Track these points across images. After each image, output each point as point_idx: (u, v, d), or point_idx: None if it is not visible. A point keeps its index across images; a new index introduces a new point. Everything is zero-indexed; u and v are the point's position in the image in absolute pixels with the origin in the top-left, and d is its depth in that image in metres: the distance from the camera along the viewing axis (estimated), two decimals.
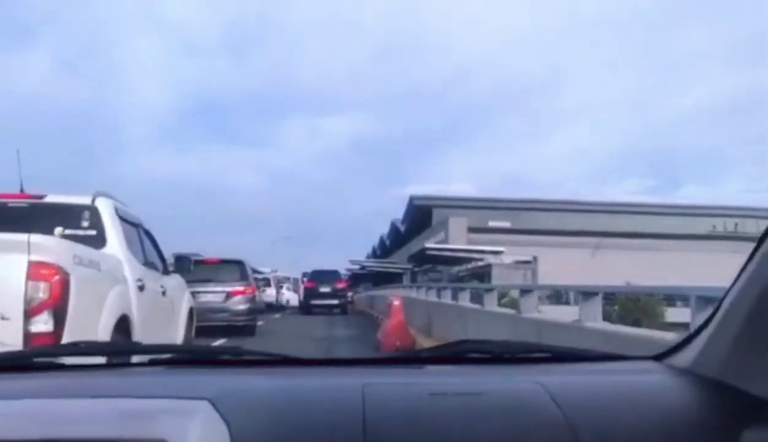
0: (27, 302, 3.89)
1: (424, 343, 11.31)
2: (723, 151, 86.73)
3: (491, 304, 10.82)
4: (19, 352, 2.72)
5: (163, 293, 6.30)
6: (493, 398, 1.18)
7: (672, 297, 22.89)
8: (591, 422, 1.11)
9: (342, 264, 45.37)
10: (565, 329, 6.61)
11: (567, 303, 25.89)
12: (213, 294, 14.40)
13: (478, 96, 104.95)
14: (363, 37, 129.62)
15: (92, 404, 1.14)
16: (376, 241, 67.59)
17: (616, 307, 19.66)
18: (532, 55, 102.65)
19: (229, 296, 14.70)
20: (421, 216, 44.99)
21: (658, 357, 1.43)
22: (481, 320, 10.55)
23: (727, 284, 1.25)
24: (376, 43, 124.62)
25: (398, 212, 52.35)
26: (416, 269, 38.71)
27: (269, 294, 30.96)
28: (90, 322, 4.35)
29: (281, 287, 35.49)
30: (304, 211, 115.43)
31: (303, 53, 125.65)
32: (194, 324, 7.77)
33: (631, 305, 20.03)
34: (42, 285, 3.94)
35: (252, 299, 15.30)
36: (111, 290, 4.79)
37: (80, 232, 5.26)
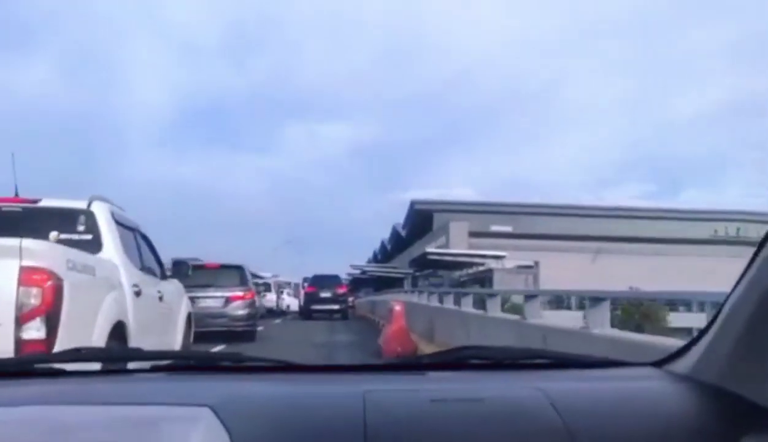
0: (18, 308, 3.79)
1: (426, 349, 11.21)
2: (724, 156, 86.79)
3: (495, 309, 10.70)
4: (20, 358, 2.69)
5: (161, 299, 6.21)
6: (494, 405, 1.18)
7: (674, 302, 22.84)
8: (590, 428, 1.11)
9: (343, 269, 45.26)
10: (572, 336, 6.49)
11: (569, 308, 25.88)
12: (212, 299, 14.30)
13: (479, 100, 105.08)
14: (364, 42, 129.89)
15: (93, 411, 1.14)
16: (377, 245, 67.54)
17: (618, 312, 19.54)
18: (533, 60, 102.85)
19: (228, 301, 14.60)
20: (422, 221, 44.93)
21: (658, 363, 1.43)
22: (484, 326, 10.42)
23: (728, 288, 1.25)
24: (377, 48, 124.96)
25: (399, 217, 52.34)
26: (417, 274, 38.64)
27: (270, 299, 30.89)
28: (84, 328, 4.26)
29: (282, 292, 35.42)
30: (304, 215, 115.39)
31: (304, 57, 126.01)
32: (192, 330, 7.68)
33: (633, 310, 19.91)
34: (34, 291, 3.84)
35: (251, 305, 15.19)
36: (106, 296, 4.69)
37: (76, 236, 5.18)
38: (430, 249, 34.65)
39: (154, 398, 1.20)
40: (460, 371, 1.53)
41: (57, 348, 3.78)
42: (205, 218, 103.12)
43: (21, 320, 3.80)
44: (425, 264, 35.53)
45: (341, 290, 29.25)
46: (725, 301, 1.24)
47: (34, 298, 3.84)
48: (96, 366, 1.61)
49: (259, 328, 16.78)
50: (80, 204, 5.41)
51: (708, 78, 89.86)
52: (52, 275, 3.92)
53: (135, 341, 5.04)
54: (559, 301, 24.35)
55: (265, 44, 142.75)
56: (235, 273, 15.34)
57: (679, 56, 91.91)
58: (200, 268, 14.11)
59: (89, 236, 5.24)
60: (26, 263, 3.85)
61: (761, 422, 1.09)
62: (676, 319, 24.10)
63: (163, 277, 6.71)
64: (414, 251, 41.03)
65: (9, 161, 5.76)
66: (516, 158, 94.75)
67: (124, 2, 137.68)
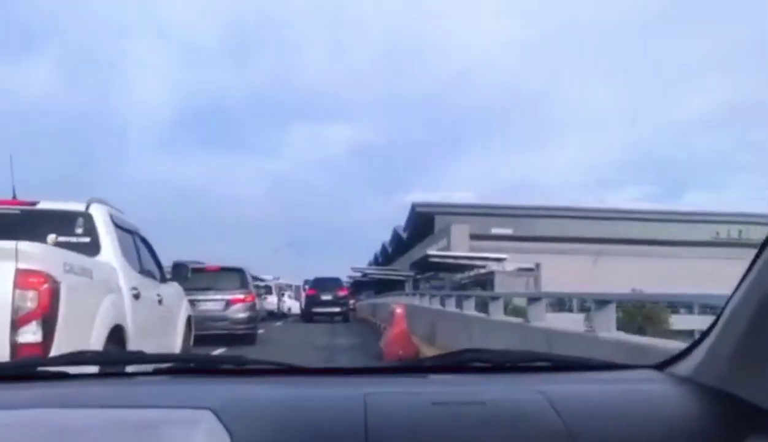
0: (14, 311, 3.75)
1: (428, 352, 11.15)
2: (726, 158, 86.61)
3: (497, 312, 10.63)
4: (22, 361, 2.71)
5: (160, 302, 6.16)
6: (495, 408, 1.18)
7: (675, 304, 22.79)
8: (592, 431, 1.11)
9: (344, 272, 45.30)
10: (577, 339, 6.42)
11: (570, 311, 25.83)
12: (213, 302, 14.26)
13: (480, 102, 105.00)
14: (364, 44, 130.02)
15: (95, 414, 1.14)
16: (378, 248, 67.55)
17: (620, 314, 19.49)
18: (533, 62, 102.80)
19: (229, 304, 14.55)
20: (423, 223, 44.91)
21: (660, 366, 1.43)
22: (486, 329, 10.35)
23: (730, 291, 1.24)
24: (377, 50, 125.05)
25: (400, 219, 52.34)
26: (418, 277, 38.61)
27: (271, 302, 30.84)
28: (81, 332, 4.21)
29: (283, 295, 35.35)
30: (306, 218, 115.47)
31: (304, 59, 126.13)
32: (192, 333, 7.63)
33: (636, 312, 19.86)
34: (30, 294, 3.79)
35: (252, 307, 15.13)
36: (104, 299, 4.64)
37: (74, 239, 5.15)
38: (431, 252, 34.64)
39: (156, 401, 1.21)
40: (462, 374, 1.53)
41: (54, 352, 3.74)
42: (206, 221, 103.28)
43: (17, 324, 3.75)
44: (426, 267, 35.48)
45: (342, 293, 29.23)
46: (726, 303, 1.23)
47: (31, 301, 3.79)
48: (98, 369, 1.61)
49: (260, 331, 16.72)
50: (78, 206, 5.37)
51: (710, 80, 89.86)
52: (48, 277, 3.88)
53: (134, 344, 4.99)
54: (560, 303, 24.34)
55: (266, 45, 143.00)
56: (236, 276, 15.29)
57: (680, 58, 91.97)
58: (200, 271, 14.07)
59: (87, 239, 5.20)
60: (22, 265, 3.81)
61: (763, 424, 1.09)
62: (678, 321, 24.05)
63: (163, 280, 6.65)
64: (415, 254, 41.01)
65: (7, 163, 5.70)
66: (517, 161, 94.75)
67: (124, 3, 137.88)
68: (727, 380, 1.19)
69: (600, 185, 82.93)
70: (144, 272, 5.97)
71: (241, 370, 1.52)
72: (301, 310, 30.80)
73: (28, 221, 5.18)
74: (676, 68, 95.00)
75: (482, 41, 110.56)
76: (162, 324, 6.30)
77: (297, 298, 36.08)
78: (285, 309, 33.98)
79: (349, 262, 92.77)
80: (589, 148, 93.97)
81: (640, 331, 13.76)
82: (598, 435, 1.11)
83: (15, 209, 5.28)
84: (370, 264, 62.52)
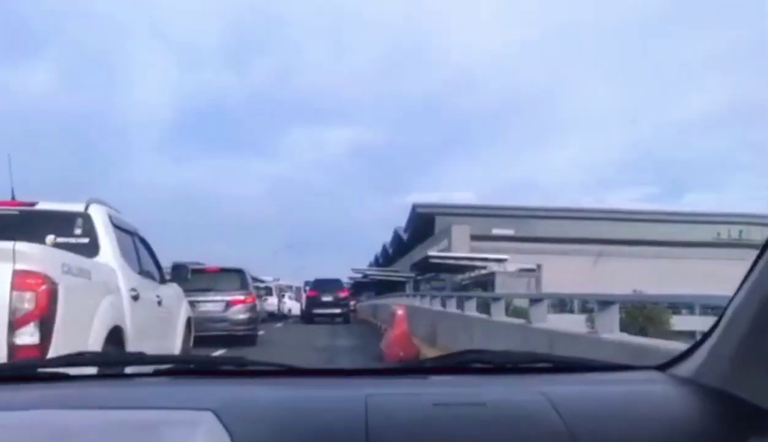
0: (12, 312, 3.71)
1: (429, 353, 11.11)
2: (727, 158, 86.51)
3: (499, 313, 10.58)
4: (23, 362, 2.70)
5: (159, 303, 6.13)
6: (496, 409, 1.18)
7: (677, 305, 22.76)
8: (593, 432, 1.11)
9: (344, 273, 45.20)
10: (580, 340, 6.37)
11: (571, 311, 25.80)
12: (213, 303, 14.25)
13: (480, 103, 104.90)
14: (365, 45, 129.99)
15: (96, 415, 1.14)
16: (378, 249, 67.52)
17: (622, 315, 19.45)
18: (534, 63, 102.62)
19: (229, 305, 14.53)
20: (423, 224, 44.88)
21: (662, 367, 1.43)
22: (488, 330, 10.30)
23: (730, 291, 1.24)
24: (378, 51, 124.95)
25: (401, 220, 52.30)
26: (419, 278, 38.58)
27: (271, 303, 30.79)
28: (80, 333, 4.17)
29: (283, 296, 35.32)
30: (306, 219, 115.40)
31: (305, 60, 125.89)
32: (192, 334, 7.60)
33: (637, 313, 19.83)
34: (28, 295, 3.76)
35: (252, 309, 15.11)
36: (103, 300, 4.61)
37: (73, 240, 5.12)
38: (432, 252, 34.61)
39: (156, 402, 1.21)
40: (463, 375, 1.52)
41: (51, 353, 3.70)
42: (207, 222, 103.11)
43: (14, 325, 3.72)
44: (427, 268, 35.46)
45: (343, 294, 29.21)
46: (728, 304, 1.23)
47: (28, 302, 3.76)
48: (97, 370, 1.61)
49: (261, 332, 16.70)
50: (77, 207, 5.34)
51: (710, 80, 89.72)
52: (46, 278, 3.84)
53: (133, 345, 4.96)
54: (561, 304, 24.31)
55: (266, 46, 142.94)
56: (236, 277, 15.27)
57: (680, 58, 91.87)
58: (201, 272, 14.06)
59: (86, 240, 5.17)
60: (20, 266, 3.78)
61: (765, 425, 1.08)
62: (679, 322, 24.02)
63: (162, 281, 6.63)
64: (416, 255, 40.98)
65: (6, 164, 5.67)
66: (518, 161, 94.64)
67: (124, 4, 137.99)
68: (729, 381, 1.19)
69: (600, 186, 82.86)
70: (143, 273, 5.94)
71: (241, 371, 1.51)
72: (302, 311, 30.78)
73: (27, 221, 5.16)
74: (676, 68, 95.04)
75: (483, 42, 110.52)
76: (161, 325, 6.27)
77: (297, 299, 36.03)
78: (285, 310, 33.95)
79: (349, 263, 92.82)
80: (590, 148, 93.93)
81: (641, 332, 13.74)
82: (600, 436, 1.10)
83: (14, 210, 5.26)
84: (370, 265, 62.50)
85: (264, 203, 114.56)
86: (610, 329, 5.85)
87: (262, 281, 31.58)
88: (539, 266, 33.94)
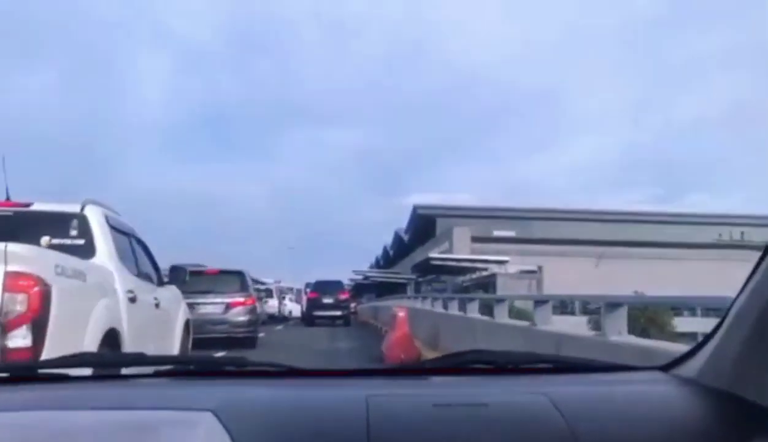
0: (3, 315, 3.63)
1: (430, 356, 11.02)
2: (729, 160, 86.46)
3: (502, 315, 10.47)
4: (23, 363, 2.69)
5: (157, 305, 6.05)
6: (498, 409, 1.17)
7: (679, 307, 22.68)
8: (596, 433, 1.10)
9: (345, 274, 45.07)
10: (587, 343, 6.27)
11: (572, 313, 25.73)
12: (212, 305, 14.19)
13: (481, 106, 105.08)
14: (366, 48, 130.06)
15: (96, 416, 1.13)
16: (379, 251, 67.52)
17: None
18: (535, 64, 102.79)
19: (228, 307, 14.46)
20: (424, 226, 44.85)
21: (665, 368, 1.42)
22: (491, 333, 10.18)
23: (732, 293, 1.24)
24: (378, 54, 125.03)
25: (402, 222, 52.29)
26: (420, 279, 38.52)
27: (271, 305, 30.73)
28: (74, 336, 4.09)
29: (284, 298, 35.28)
30: (307, 221, 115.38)
31: (306, 64, 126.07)
32: (191, 337, 7.52)
33: (639, 315, 19.75)
34: (20, 297, 3.68)
35: (252, 311, 15.03)
36: (98, 303, 4.53)
37: (68, 241, 5.04)
38: (433, 254, 34.57)
39: (156, 403, 1.20)
40: (464, 375, 1.52)
41: (45, 356, 3.63)
42: (208, 224, 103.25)
43: (6, 328, 3.64)
44: (428, 269, 35.42)
45: (343, 296, 29.12)
46: (731, 305, 1.22)
47: (20, 304, 3.68)
48: (99, 371, 1.61)
49: (261, 334, 16.63)
50: (73, 208, 5.27)
51: (712, 81, 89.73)
52: (39, 280, 3.76)
53: (129, 348, 4.89)
54: (562, 306, 24.23)
55: (267, 51, 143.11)
56: (236, 279, 15.20)
57: (682, 59, 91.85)
58: (200, 274, 14.00)
59: (82, 241, 5.10)
60: (12, 268, 3.69)
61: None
62: (681, 324, 23.94)
63: (160, 283, 6.55)
64: (417, 256, 40.93)
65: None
66: (519, 163, 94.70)
67: (124, 7, 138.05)
68: (732, 382, 1.18)
69: (602, 187, 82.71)
70: (140, 274, 5.87)
71: (241, 371, 1.51)
72: (302, 313, 30.73)
73: (22, 222, 5.08)
74: (677, 70, 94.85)
75: (483, 43, 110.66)
76: (159, 328, 6.19)
77: (298, 301, 35.99)
78: (286, 312, 33.90)
79: (350, 265, 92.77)
80: (591, 149, 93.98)
81: (643, 333, 13.65)
82: (602, 437, 1.10)
83: (8, 211, 5.18)
84: (371, 267, 62.48)
85: (265, 205, 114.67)
86: (619, 331, 5.76)
87: (262, 283, 31.57)
88: (540, 268, 33.90)
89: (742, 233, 38.41)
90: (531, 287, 32.41)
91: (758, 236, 33.27)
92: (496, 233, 38.91)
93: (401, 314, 12.44)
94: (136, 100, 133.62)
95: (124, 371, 1.59)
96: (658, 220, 41.10)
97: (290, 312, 34.38)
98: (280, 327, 25.61)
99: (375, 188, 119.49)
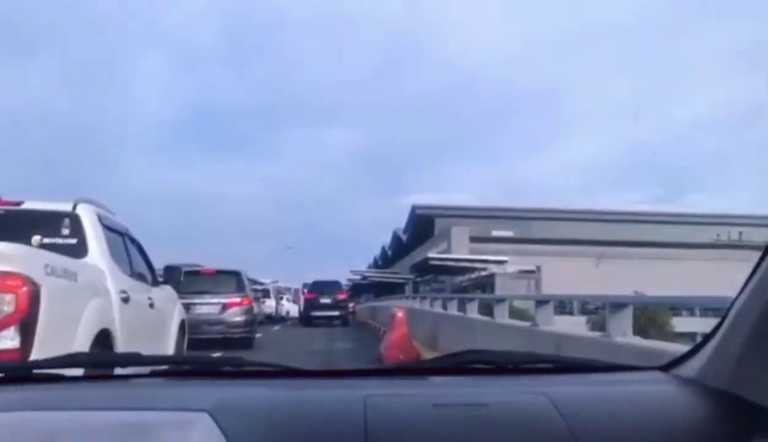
0: None
1: (429, 356, 10.96)
2: (728, 159, 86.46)
3: (502, 315, 10.39)
4: (18, 363, 2.68)
5: (151, 306, 5.97)
6: (497, 409, 1.16)
7: (680, 307, 22.67)
8: (595, 433, 1.10)
9: (343, 275, 45.01)
10: (590, 344, 6.19)
11: (570, 313, 25.70)
12: (209, 306, 14.11)
13: (480, 106, 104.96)
14: (364, 47, 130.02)
15: (91, 417, 1.13)
16: (377, 251, 67.46)
17: None
18: (535, 64, 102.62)
19: (225, 307, 14.39)
20: (423, 225, 44.83)
21: (665, 368, 1.42)
22: (491, 333, 10.09)
23: (731, 292, 1.24)
24: (377, 53, 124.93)
25: (400, 222, 52.23)
26: (418, 279, 38.48)
27: (269, 305, 30.65)
28: (64, 337, 4.01)
29: (281, 298, 35.19)
30: (305, 221, 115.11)
31: (304, 63, 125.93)
32: (186, 337, 7.44)
33: (638, 315, 19.73)
34: (7, 297, 3.60)
35: (249, 311, 14.97)
36: (89, 303, 4.44)
37: (60, 240, 4.97)
38: (431, 254, 34.54)
39: (152, 404, 1.20)
40: (463, 375, 1.51)
41: (33, 357, 3.55)
42: (206, 224, 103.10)
43: None
44: (426, 269, 35.39)
45: (341, 296, 29.09)
46: (731, 305, 1.22)
47: (8, 305, 3.60)
48: (94, 371, 1.60)
49: (258, 335, 16.57)
50: (65, 206, 5.19)
51: (712, 81, 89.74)
52: (27, 280, 3.68)
53: (122, 349, 4.81)
54: (561, 306, 24.19)
55: (265, 50, 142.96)
56: (232, 279, 15.14)
57: (682, 60, 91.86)
58: (196, 274, 13.93)
59: (74, 240, 5.02)
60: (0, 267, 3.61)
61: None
62: (680, 324, 23.93)
63: (155, 283, 6.47)
64: (415, 256, 40.91)
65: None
66: (518, 163, 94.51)
67: (121, 4, 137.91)
68: (732, 381, 1.18)
69: (601, 187, 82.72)
70: (134, 274, 5.79)
71: (238, 372, 1.50)
72: (300, 313, 30.64)
73: (13, 221, 5.00)
74: (677, 69, 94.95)
75: (482, 43, 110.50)
76: (153, 328, 6.11)
77: (295, 301, 35.87)
78: (283, 313, 33.83)
79: (348, 265, 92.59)
80: (590, 149, 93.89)
81: (642, 333, 13.60)
82: (602, 437, 1.09)
83: None
84: (369, 267, 62.40)
85: (262, 205, 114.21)
86: (624, 332, 5.69)
87: (260, 283, 31.49)
88: (539, 268, 33.87)
89: (741, 233, 38.43)
90: (529, 287, 32.40)
91: (757, 236, 33.27)
92: (495, 233, 38.88)
93: (400, 314, 12.39)
94: (131, 97, 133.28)
95: (120, 371, 1.58)
96: (658, 220, 41.11)
97: (288, 312, 34.30)
98: (277, 327, 25.53)
99: (373, 188, 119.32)
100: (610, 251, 36.48)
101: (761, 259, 1.15)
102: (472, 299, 12.96)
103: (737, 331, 1.19)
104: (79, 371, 1.51)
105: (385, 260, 62.24)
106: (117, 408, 1.18)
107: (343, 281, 36.61)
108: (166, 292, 6.76)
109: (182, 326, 7.17)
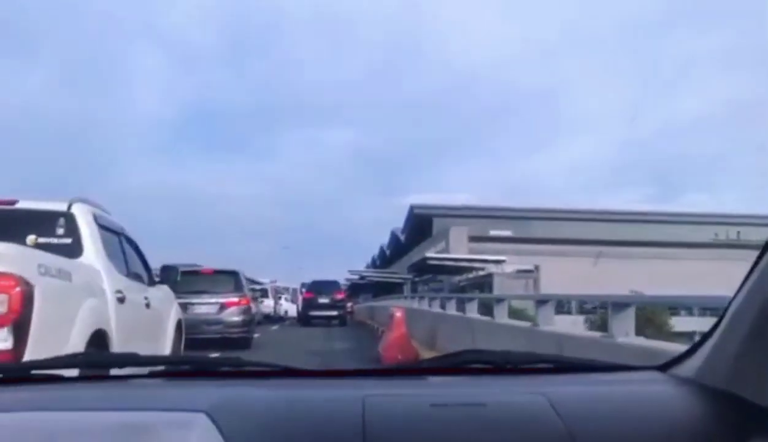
0: None
1: (428, 356, 10.92)
2: (725, 159, 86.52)
3: (502, 315, 10.33)
4: (17, 364, 2.67)
5: (148, 306, 5.93)
6: (495, 409, 1.16)
7: (674, 306, 22.66)
8: (594, 433, 1.10)
9: (341, 274, 45.03)
10: (594, 345, 6.15)
11: (568, 313, 25.68)
12: (207, 306, 14.06)
13: (480, 106, 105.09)
14: (363, 48, 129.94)
15: (89, 417, 1.13)
16: (376, 251, 67.42)
17: None
18: (532, 64, 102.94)
19: (223, 307, 14.33)
20: (421, 225, 44.81)
21: (663, 367, 1.42)
22: (491, 333, 10.03)
23: (728, 292, 1.25)
24: (376, 53, 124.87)
25: (398, 221, 52.22)
26: (417, 279, 38.46)
27: (267, 305, 30.58)
28: (58, 337, 3.96)
29: (279, 298, 35.11)
30: (303, 220, 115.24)
31: (303, 63, 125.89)
32: (183, 337, 7.40)
33: (636, 313, 19.70)
34: (0, 298, 3.55)
35: (247, 311, 14.92)
36: (84, 303, 4.40)
37: (55, 240, 4.92)
38: (430, 254, 34.51)
39: (150, 404, 1.20)
40: (461, 375, 1.51)
41: (27, 358, 3.51)
42: (204, 224, 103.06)
43: None
44: (425, 269, 35.37)
45: (340, 296, 29.04)
46: (729, 304, 1.22)
47: (1, 305, 3.56)
48: (92, 372, 1.60)
49: (256, 335, 16.52)
50: (60, 206, 5.14)
51: (710, 81, 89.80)
52: (20, 280, 3.64)
53: (118, 349, 4.77)
54: (558, 305, 24.17)
55: (265, 50, 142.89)
56: (230, 279, 15.08)
57: (681, 59, 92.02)
58: (194, 274, 13.88)
59: (69, 240, 4.97)
60: None
61: (766, 424, 1.08)
62: (678, 323, 23.93)
63: (152, 283, 6.43)
64: (413, 256, 40.88)
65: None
66: (516, 162, 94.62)
67: (121, 6, 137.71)
68: (730, 381, 1.18)
69: (598, 187, 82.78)
70: (130, 274, 5.75)
71: (236, 372, 1.50)
72: (298, 313, 30.60)
73: (7, 221, 4.95)
74: (674, 69, 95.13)
75: (480, 43, 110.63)
76: (150, 328, 6.07)
77: (294, 301, 35.80)
78: (282, 312, 33.77)
79: (346, 265, 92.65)
80: (588, 149, 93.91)
81: (639, 332, 13.59)
82: (600, 437, 1.09)
83: None
84: (367, 267, 62.36)
85: (261, 205, 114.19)
86: (626, 332, 5.65)
87: (258, 283, 31.43)
88: (537, 267, 33.85)
89: (738, 233, 38.48)
90: (528, 287, 32.38)
91: (755, 235, 33.28)
92: (493, 233, 38.86)
93: (398, 314, 12.36)
94: (130, 97, 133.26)
95: (118, 371, 1.58)
96: (656, 219, 41.16)
97: (286, 312, 34.24)
98: (275, 327, 25.48)
99: (372, 188, 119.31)
100: (608, 250, 36.49)
101: (759, 258, 1.16)
102: (471, 299, 12.93)
103: (735, 330, 1.19)
104: (77, 372, 1.51)
105: (383, 260, 62.22)
106: (115, 409, 1.18)
107: (342, 281, 36.63)
108: (162, 292, 6.71)
109: (179, 326, 7.13)
